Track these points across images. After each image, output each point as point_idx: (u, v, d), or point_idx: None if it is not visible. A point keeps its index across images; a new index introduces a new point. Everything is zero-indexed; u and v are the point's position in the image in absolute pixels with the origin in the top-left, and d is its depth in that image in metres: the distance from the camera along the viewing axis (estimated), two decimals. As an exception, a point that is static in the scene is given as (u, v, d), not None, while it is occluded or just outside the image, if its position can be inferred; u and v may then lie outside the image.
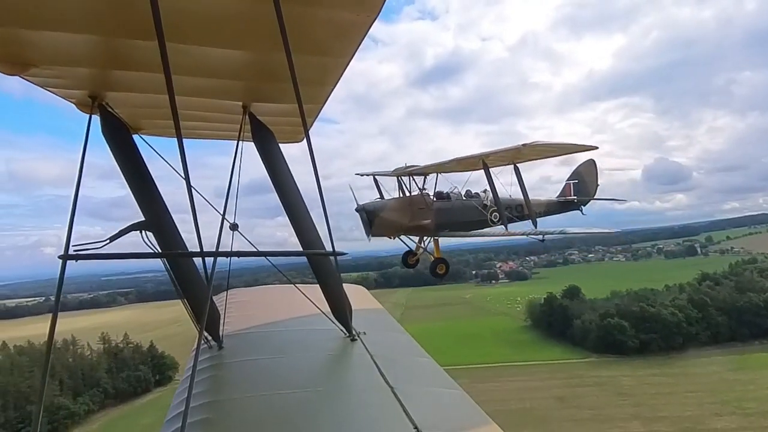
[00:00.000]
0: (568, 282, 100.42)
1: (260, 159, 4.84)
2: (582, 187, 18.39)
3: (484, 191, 16.04)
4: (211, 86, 4.07)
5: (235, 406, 3.89)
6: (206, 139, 5.79)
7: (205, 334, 5.12)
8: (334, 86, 4.15)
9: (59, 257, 3.09)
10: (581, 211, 18.24)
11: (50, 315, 3.33)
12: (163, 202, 4.50)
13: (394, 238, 15.92)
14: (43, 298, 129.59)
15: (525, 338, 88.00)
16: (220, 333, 5.41)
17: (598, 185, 18.66)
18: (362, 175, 16.42)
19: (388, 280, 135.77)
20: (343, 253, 3.87)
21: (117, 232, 3.99)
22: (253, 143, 4.86)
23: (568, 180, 18.71)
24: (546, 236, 14.31)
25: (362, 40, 3.31)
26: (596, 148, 15.29)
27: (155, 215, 4.36)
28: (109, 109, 4.15)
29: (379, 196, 15.96)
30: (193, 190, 3.04)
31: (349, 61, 3.64)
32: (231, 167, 4.70)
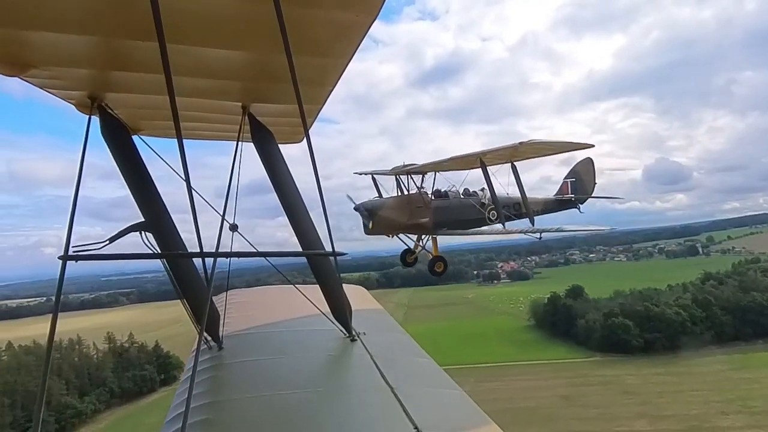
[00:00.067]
0: (570, 282, 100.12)
1: (260, 160, 4.84)
2: (579, 185, 18.42)
3: (482, 189, 16.08)
4: (210, 87, 4.07)
5: (235, 406, 3.89)
6: (206, 139, 5.79)
7: (205, 334, 5.12)
8: (334, 87, 4.15)
9: (59, 258, 3.09)
10: (579, 209, 18.26)
11: (48, 316, 3.33)
12: (163, 203, 4.50)
13: (392, 237, 15.96)
14: (45, 298, 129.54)
15: (529, 338, 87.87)
16: (220, 333, 5.40)
17: (595, 183, 18.71)
18: (361, 174, 16.48)
19: (389, 280, 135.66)
20: (342, 254, 3.87)
21: (117, 233, 3.99)
22: (252, 144, 4.86)
23: (565, 178, 18.73)
24: (543, 234, 14.35)
25: (361, 41, 3.31)
26: (592, 146, 15.41)
27: (155, 216, 4.36)
28: (109, 110, 4.15)
29: (377, 195, 15.99)
30: (192, 190, 3.04)
31: (349, 61, 3.64)
32: (231, 168, 4.70)
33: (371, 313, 7.07)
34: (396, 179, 15.83)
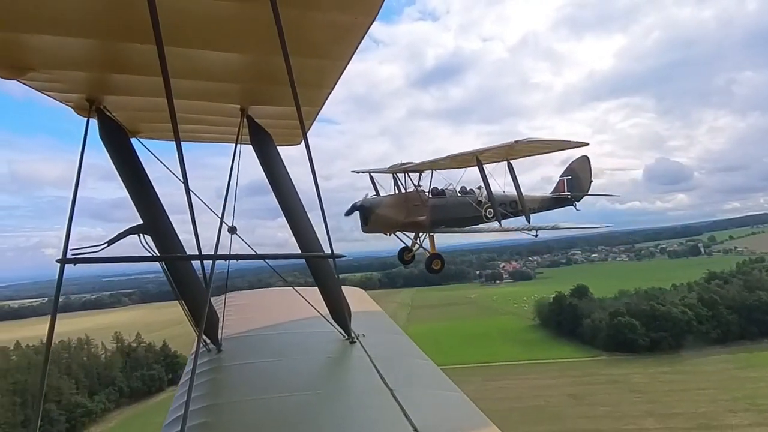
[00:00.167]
0: (573, 282, 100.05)
1: (258, 162, 4.84)
2: (576, 183, 18.44)
3: (479, 188, 16.12)
4: (209, 89, 4.06)
5: (234, 409, 3.87)
6: (204, 142, 5.77)
7: (204, 337, 5.11)
8: (332, 89, 4.14)
9: (57, 261, 3.09)
10: (575, 207, 18.26)
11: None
12: (161, 205, 4.50)
13: (389, 235, 16.00)
14: (47, 299, 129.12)
15: (534, 337, 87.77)
16: (219, 336, 5.38)
17: (591, 181, 18.72)
18: (358, 173, 16.48)
19: (392, 280, 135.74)
20: (341, 256, 3.85)
21: (115, 235, 3.98)
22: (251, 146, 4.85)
23: (561, 176, 18.78)
24: (540, 232, 14.44)
25: (360, 43, 3.30)
26: (587, 144, 15.51)
27: (153, 219, 4.36)
28: (107, 113, 4.15)
29: (375, 193, 16.03)
30: (191, 193, 3.04)
31: (347, 63, 3.63)
32: (229, 170, 4.69)
33: (370, 315, 7.06)
34: (393, 177, 15.87)
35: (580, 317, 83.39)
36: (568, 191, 18.30)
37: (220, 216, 4.55)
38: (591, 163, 18.73)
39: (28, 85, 3.47)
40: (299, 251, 4.88)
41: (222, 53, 3.36)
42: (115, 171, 4.30)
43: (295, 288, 6.07)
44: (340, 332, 5.22)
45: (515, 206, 16.07)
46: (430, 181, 15.93)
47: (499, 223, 15.41)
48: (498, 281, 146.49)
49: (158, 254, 4.27)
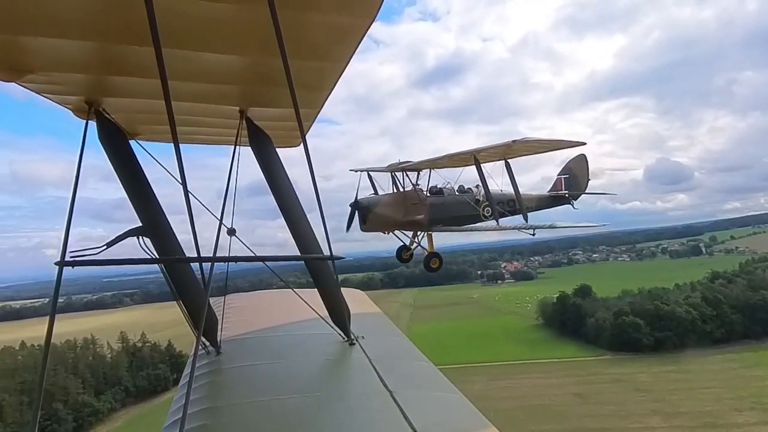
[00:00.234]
0: (575, 282, 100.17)
1: (257, 164, 4.82)
2: (573, 181, 18.54)
3: (477, 186, 16.20)
4: (207, 91, 4.05)
5: (233, 412, 3.86)
6: (203, 144, 5.76)
7: (203, 339, 5.10)
8: (331, 90, 4.12)
9: (56, 264, 3.08)
10: (572, 205, 18.34)
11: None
12: (160, 207, 4.48)
13: (387, 233, 16.07)
14: (48, 299, 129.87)
15: (537, 337, 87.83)
16: (218, 338, 5.36)
17: (589, 180, 18.81)
18: (356, 171, 16.55)
19: (393, 280, 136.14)
20: (340, 258, 3.84)
21: (114, 237, 3.97)
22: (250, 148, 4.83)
23: (559, 175, 18.85)
24: (537, 231, 14.50)
25: (359, 45, 3.29)
26: (584, 143, 15.68)
27: (152, 221, 4.34)
28: (106, 115, 4.14)
29: (373, 192, 16.08)
30: (190, 195, 3.03)
31: (346, 65, 3.62)
32: (228, 172, 4.69)
33: (370, 317, 7.02)
34: (391, 176, 15.92)
35: (583, 317, 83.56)
36: (565, 190, 18.39)
37: (219, 218, 4.54)
38: (588, 162, 18.83)
39: (27, 88, 3.46)
40: (298, 253, 4.86)
41: (220, 55, 3.35)
42: (114, 173, 4.29)
43: (294, 290, 6.07)
44: (340, 334, 5.20)
45: (513, 205, 16.20)
46: (428, 180, 16.03)
47: (497, 221, 15.54)
48: (500, 281, 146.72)
49: (157, 256, 4.26)
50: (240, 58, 3.47)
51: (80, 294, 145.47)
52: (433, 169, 15.93)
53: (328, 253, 3.75)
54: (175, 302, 4.63)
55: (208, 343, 5.27)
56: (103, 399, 64.92)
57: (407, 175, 15.84)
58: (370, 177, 16.30)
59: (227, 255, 4.54)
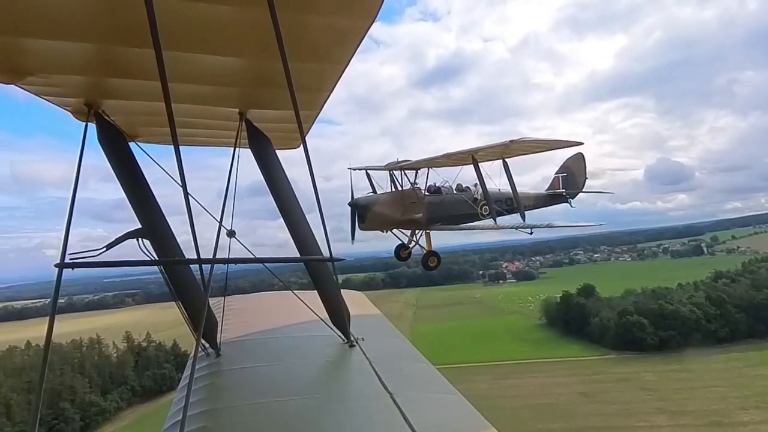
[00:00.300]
0: (576, 282, 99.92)
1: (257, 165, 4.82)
2: (571, 180, 18.58)
3: (475, 185, 16.25)
4: (207, 93, 4.05)
5: (233, 413, 3.85)
6: (203, 146, 5.75)
7: (203, 341, 5.10)
8: (331, 92, 4.12)
9: (56, 266, 3.08)
10: (570, 203, 18.39)
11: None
12: (160, 209, 4.48)
13: (386, 232, 16.10)
14: (49, 300, 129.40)
15: (541, 336, 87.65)
16: (218, 340, 5.36)
17: (586, 178, 18.89)
18: (355, 170, 16.57)
19: (395, 280, 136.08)
20: (340, 259, 3.85)
21: (114, 239, 3.96)
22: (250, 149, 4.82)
23: (556, 173, 18.88)
24: (536, 230, 14.60)
25: (358, 46, 3.29)
26: (582, 143, 15.79)
27: (152, 223, 4.34)
28: (106, 117, 4.14)
29: (371, 191, 16.11)
30: (190, 197, 3.04)
31: (346, 67, 3.61)
32: (228, 174, 4.68)
33: (370, 319, 7.02)
34: (390, 175, 15.94)
35: (587, 316, 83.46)
36: (563, 188, 18.40)
37: (218, 220, 4.54)
38: (586, 161, 18.88)
39: (27, 90, 3.47)
40: (298, 254, 4.87)
41: (220, 57, 3.35)
42: (114, 175, 4.29)
43: (294, 291, 6.05)
44: (340, 336, 5.20)
45: (510, 203, 16.25)
46: (426, 179, 16.08)
47: (494, 220, 15.53)
48: (501, 281, 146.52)
49: (157, 258, 4.25)
50: (240, 60, 3.47)
51: (82, 294, 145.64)
52: (431, 168, 15.97)
53: (328, 255, 3.76)
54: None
55: (207, 345, 5.27)
56: (109, 398, 65.13)
57: (405, 174, 15.89)
58: (368, 176, 16.37)
59: (227, 257, 4.53)
